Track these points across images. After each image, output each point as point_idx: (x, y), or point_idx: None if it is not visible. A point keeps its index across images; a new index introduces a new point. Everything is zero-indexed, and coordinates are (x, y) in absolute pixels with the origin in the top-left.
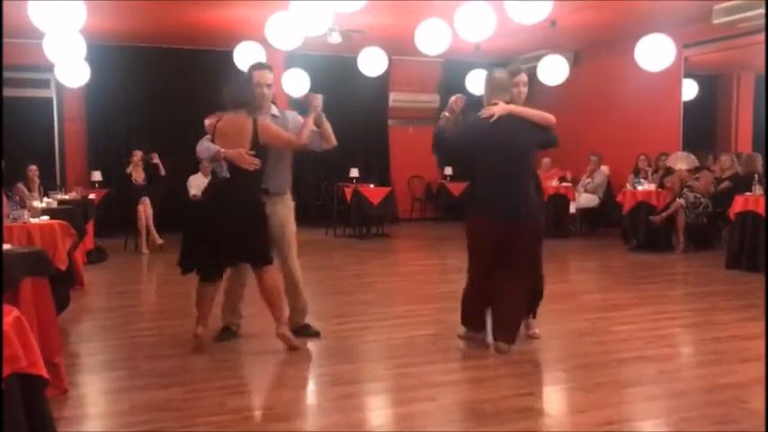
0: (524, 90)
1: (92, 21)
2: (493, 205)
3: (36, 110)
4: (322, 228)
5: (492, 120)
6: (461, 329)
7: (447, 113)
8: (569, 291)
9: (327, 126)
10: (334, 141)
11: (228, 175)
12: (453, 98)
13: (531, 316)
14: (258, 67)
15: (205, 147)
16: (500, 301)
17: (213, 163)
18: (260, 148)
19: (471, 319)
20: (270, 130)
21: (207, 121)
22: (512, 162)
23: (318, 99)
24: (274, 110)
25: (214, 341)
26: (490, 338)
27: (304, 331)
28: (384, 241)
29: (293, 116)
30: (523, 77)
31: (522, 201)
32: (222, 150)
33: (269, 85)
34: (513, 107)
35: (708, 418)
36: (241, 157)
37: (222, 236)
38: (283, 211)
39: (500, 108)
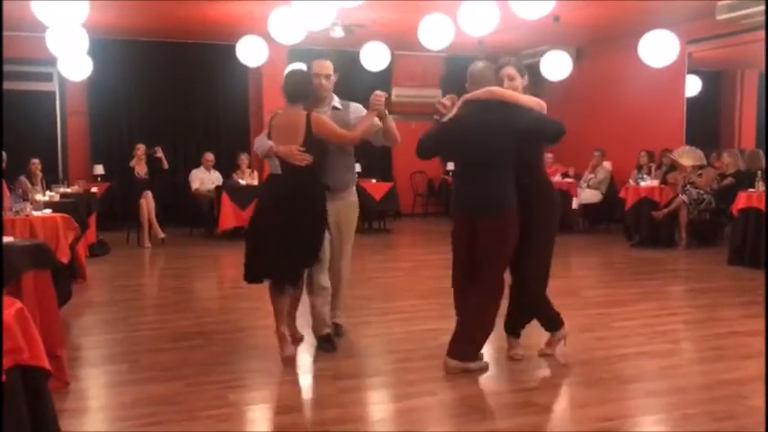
0: (512, 84)
1: (94, 15)
2: (460, 201)
3: (39, 103)
4: None
5: (453, 114)
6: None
7: (436, 117)
8: (571, 286)
9: (390, 124)
10: (397, 140)
11: (280, 172)
12: (440, 100)
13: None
14: (318, 56)
15: (261, 143)
16: (463, 315)
17: (268, 159)
18: (316, 142)
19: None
20: (322, 124)
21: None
22: (480, 156)
23: (381, 98)
24: (336, 101)
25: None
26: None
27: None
28: (385, 236)
29: (356, 108)
30: (507, 71)
31: (487, 195)
32: (274, 147)
33: (328, 76)
34: (481, 92)
35: (708, 414)
36: (291, 154)
37: (278, 235)
38: (345, 208)
39: (465, 97)
